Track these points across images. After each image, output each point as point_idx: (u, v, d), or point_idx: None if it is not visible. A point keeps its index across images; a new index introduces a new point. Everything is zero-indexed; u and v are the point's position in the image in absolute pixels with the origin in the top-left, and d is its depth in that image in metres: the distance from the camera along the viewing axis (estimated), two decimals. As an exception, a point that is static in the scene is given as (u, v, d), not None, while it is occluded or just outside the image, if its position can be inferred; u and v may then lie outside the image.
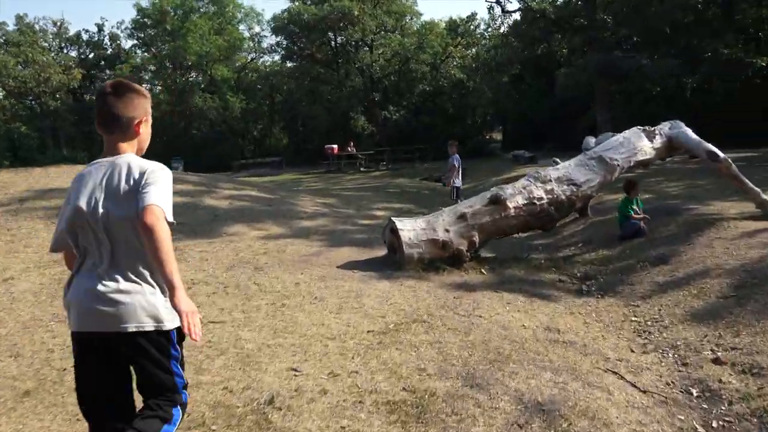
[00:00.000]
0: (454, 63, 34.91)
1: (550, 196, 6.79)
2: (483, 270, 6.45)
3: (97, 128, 2.13)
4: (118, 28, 43.35)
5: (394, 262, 6.39)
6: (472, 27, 35.98)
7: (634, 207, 7.69)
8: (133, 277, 2.01)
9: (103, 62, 42.06)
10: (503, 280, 6.19)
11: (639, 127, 7.92)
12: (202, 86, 42.10)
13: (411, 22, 37.20)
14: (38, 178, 9.25)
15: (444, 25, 37.61)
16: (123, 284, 1.99)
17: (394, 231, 6.33)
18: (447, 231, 6.34)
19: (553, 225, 7.16)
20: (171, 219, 1.96)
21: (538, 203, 6.72)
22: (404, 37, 34.14)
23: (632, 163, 7.56)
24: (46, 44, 39.48)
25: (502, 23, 30.84)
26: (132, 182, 1.99)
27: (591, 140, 9.21)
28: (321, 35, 32.96)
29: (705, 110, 20.95)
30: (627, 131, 7.89)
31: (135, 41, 42.55)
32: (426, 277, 6.05)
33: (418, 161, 29.45)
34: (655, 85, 19.57)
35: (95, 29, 42.12)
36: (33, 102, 38.46)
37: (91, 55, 42.35)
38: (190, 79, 42.63)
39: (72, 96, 40.68)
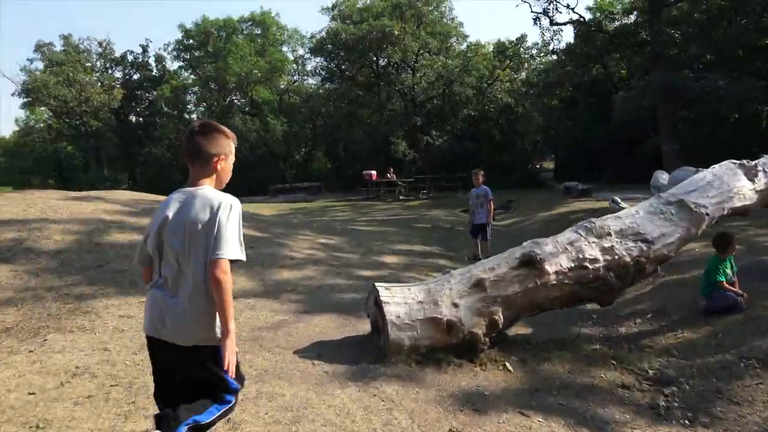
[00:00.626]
0: (502, 87, 32.82)
1: (608, 257, 4.72)
2: (508, 364, 4.40)
3: (185, 160, 2.48)
4: (164, 49, 42.95)
5: (376, 346, 4.44)
6: (521, 50, 33.90)
7: (728, 271, 5.52)
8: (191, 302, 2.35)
9: (147, 83, 41.86)
10: (536, 384, 4.14)
11: (733, 161, 5.77)
12: (246, 108, 41.35)
13: (456, 44, 35.46)
14: (-21, 208, 7.74)
15: (492, 47, 35.70)
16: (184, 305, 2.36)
17: (378, 303, 4.39)
18: (455, 306, 4.36)
19: (614, 298, 5.05)
20: (242, 257, 2.36)
21: (591, 267, 4.66)
22: (448, 59, 32.32)
23: (726, 211, 5.42)
24: (89, 64, 39.46)
25: (551, 39, 28.29)
26: (204, 218, 2.33)
27: (663, 177, 7.08)
28: (361, 56, 31.52)
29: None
30: (716, 166, 5.75)
31: (181, 62, 42.35)
32: (418, 378, 4.05)
33: (462, 190, 27.52)
34: (732, 110, 17.01)
35: (140, 50, 41.99)
36: (77, 122, 38.38)
37: (136, 76, 42.24)
38: (234, 100, 41.97)
39: (115, 116, 40.54)
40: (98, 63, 40.62)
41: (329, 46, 31.24)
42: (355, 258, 8.27)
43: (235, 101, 41.15)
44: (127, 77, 42.04)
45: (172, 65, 42.97)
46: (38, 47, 38.03)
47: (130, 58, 41.27)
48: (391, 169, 29.27)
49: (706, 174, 5.41)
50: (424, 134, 31.83)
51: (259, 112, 40.58)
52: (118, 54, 41.60)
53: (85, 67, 38.85)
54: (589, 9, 28.41)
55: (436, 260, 9.14)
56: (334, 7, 33.61)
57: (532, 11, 22.04)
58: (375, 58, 32.54)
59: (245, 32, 42.48)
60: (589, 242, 4.66)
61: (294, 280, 6.59)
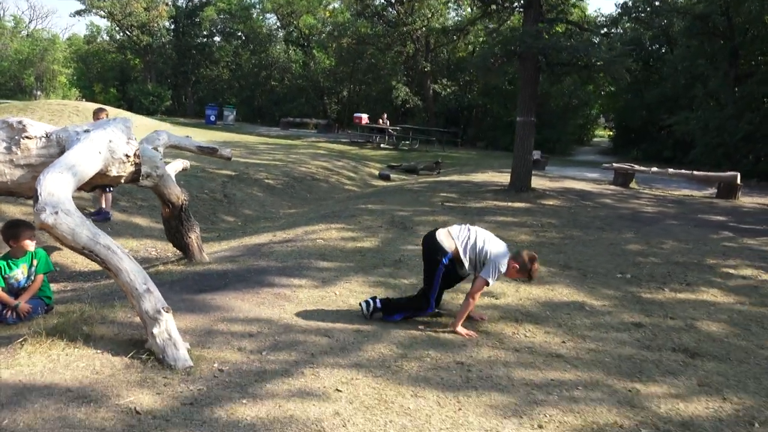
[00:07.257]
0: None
1: None
2: None
3: None
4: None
5: None
6: None
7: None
8: None
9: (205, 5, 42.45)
10: None
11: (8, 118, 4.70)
12: (291, 38, 40.96)
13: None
14: None
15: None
16: None
17: None
18: None
19: None
20: None
21: None
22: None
23: None
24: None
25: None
26: None
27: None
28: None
29: None
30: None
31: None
32: None
33: (437, 144, 26.23)
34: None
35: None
36: (133, 35, 39.97)
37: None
38: (274, 29, 41.81)
39: (174, 35, 41.81)
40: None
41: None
42: None
43: (275, 30, 41.07)
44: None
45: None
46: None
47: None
48: (385, 115, 28.12)
49: None
50: (434, 82, 29.97)
51: (305, 44, 40.18)
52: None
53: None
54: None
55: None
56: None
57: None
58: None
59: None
60: None
61: None
